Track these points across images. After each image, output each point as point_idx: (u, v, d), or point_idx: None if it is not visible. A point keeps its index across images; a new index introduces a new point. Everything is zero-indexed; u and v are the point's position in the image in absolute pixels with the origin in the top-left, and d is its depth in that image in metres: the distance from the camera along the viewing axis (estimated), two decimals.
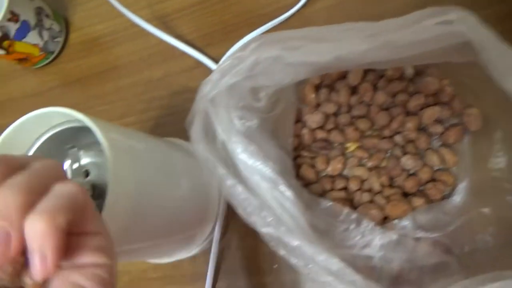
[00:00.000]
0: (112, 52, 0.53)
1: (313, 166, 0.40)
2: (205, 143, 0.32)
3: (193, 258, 0.44)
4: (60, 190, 0.17)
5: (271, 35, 0.32)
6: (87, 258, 0.17)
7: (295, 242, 0.29)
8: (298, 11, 0.45)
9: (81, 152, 0.33)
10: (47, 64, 0.56)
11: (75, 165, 0.32)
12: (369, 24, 0.29)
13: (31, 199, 0.16)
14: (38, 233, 0.15)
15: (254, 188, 0.31)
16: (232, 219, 0.44)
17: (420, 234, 0.33)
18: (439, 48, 0.27)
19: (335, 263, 0.28)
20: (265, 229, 0.29)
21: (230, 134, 0.32)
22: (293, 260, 0.29)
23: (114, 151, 0.26)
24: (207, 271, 0.42)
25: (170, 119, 0.48)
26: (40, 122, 0.29)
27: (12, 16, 0.47)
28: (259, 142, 0.33)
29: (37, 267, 0.15)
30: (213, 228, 0.42)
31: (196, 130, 0.32)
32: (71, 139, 0.32)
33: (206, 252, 0.43)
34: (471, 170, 0.34)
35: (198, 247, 0.42)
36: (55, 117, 0.30)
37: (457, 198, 0.33)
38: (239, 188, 0.30)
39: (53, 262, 0.16)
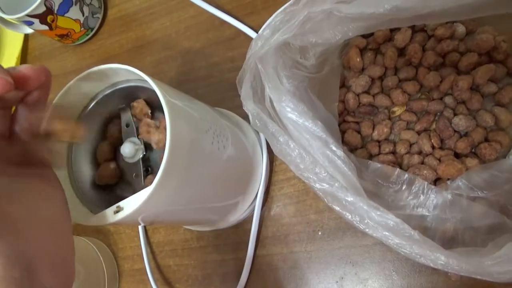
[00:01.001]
0: (149, 26, 0.54)
1: (358, 131, 0.39)
2: (255, 101, 0.32)
3: (235, 227, 0.44)
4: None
5: None
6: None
7: (350, 198, 0.28)
8: None
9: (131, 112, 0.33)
10: (86, 40, 0.57)
11: (127, 125, 0.33)
12: None
13: None
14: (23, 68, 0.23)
15: (304, 146, 0.31)
16: (273, 186, 0.44)
17: (475, 193, 0.32)
18: None
19: (391, 219, 0.28)
20: (319, 185, 0.29)
21: (279, 93, 0.31)
22: (348, 216, 0.29)
23: (173, 114, 0.26)
24: (248, 240, 0.42)
25: (209, 90, 0.48)
26: (102, 78, 0.30)
27: None
28: (307, 102, 0.33)
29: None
30: (255, 198, 0.42)
31: (246, 87, 0.32)
32: (123, 100, 0.33)
33: (247, 221, 0.43)
34: None
35: (240, 216, 0.43)
36: (113, 75, 0.30)
37: None
38: (292, 145, 0.30)
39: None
